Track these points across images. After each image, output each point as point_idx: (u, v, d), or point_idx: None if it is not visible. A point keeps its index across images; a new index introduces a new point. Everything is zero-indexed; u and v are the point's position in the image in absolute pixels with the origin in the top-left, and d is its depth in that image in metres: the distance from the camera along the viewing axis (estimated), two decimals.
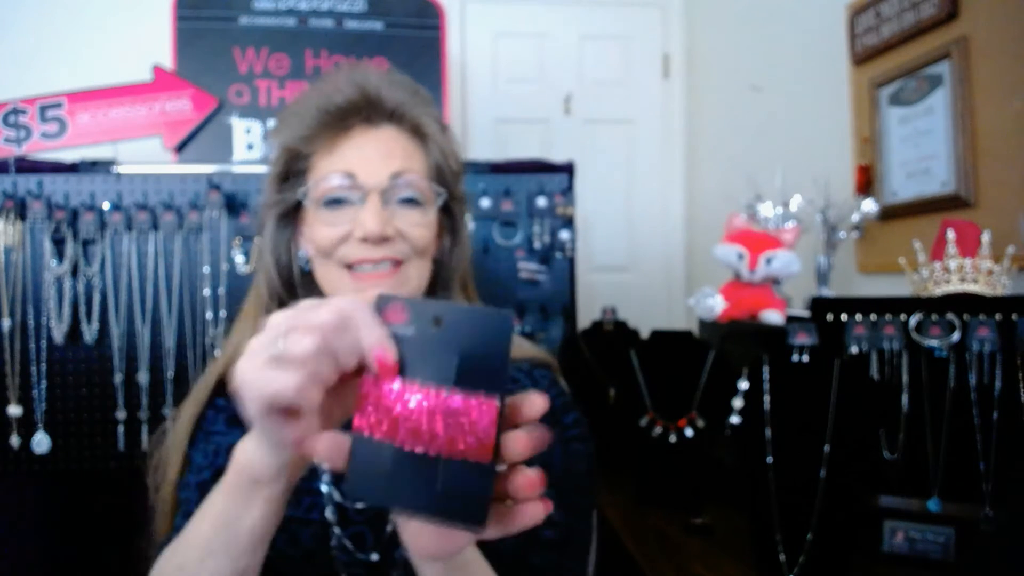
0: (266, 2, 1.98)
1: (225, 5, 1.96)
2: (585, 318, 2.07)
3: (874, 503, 1.13)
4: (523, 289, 1.77)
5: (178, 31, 1.93)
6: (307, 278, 0.78)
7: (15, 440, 1.53)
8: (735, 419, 1.21)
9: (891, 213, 1.55)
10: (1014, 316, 1.02)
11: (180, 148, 1.89)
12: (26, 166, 1.58)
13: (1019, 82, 1.25)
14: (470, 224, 1.75)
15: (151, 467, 0.77)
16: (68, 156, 1.65)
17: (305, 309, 0.44)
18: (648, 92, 2.72)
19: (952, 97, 1.39)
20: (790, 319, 1.20)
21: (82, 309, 1.58)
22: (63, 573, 1.67)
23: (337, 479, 0.73)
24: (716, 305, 1.33)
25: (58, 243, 1.57)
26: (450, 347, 0.41)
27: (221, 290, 1.62)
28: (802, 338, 1.10)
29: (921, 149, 1.48)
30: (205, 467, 0.73)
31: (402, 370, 0.42)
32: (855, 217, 1.53)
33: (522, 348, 0.81)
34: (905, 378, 1.08)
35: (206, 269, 1.62)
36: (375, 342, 0.41)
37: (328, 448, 0.41)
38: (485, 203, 1.76)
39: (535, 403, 0.41)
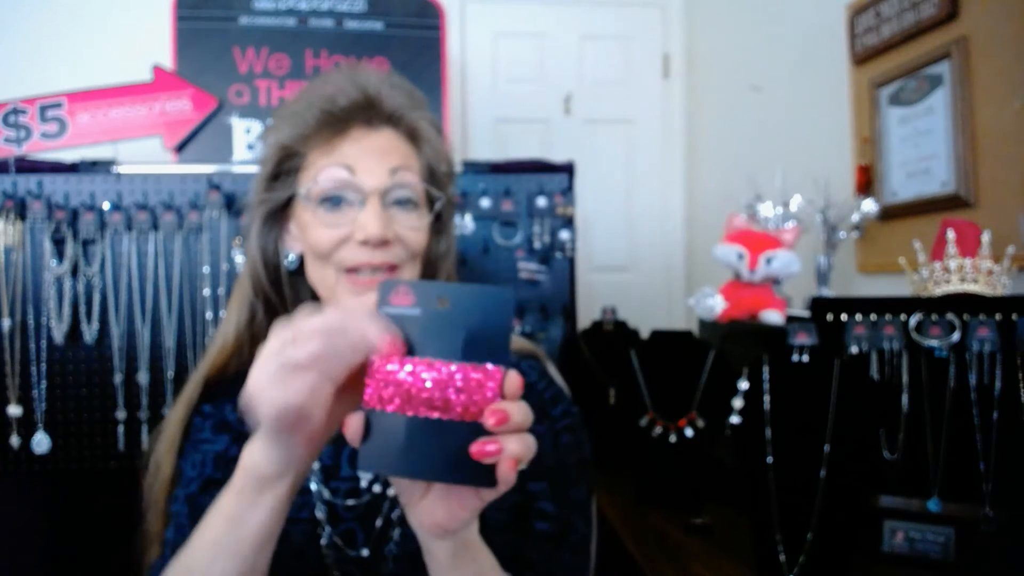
0: (266, 2, 1.98)
1: (225, 5, 1.96)
2: (585, 318, 2.07)
3: (874, 503, 1.13)
4: (523, 289, 1.77)
5: (178, 31, 1.93)
6: (293, 278, 0.78)
7: (15, 440, 1.53)
8: (735, 419, 1.21)
9: (891, 213, 1.55)
10: (1014, 316, 1.02)
11: (180, 148, 1.89)
12: (26, 166, 1.58)
13: (1019, 82, 1.25)
14: (470, 224, 1.75)
15: (150, 468, 0.77)
16: (68, 156, 1.65)
17: (306, 316, 0.46)
18: (648, 92, 2.72)
19: (952, 97, 1.39)
20: (790, 319, 1.20)
21: (82, 309, 1.58)
22: (63, 573, 1.67)
23: (327, 476, 0.73)
24: (716, 305, 1.34)
25: (58, 243, 1.57)
26: (456, 324, 0.45)
27: (221, 290, 1.62)
28: (802, 338, 1.10)
29: (921, 149, 1.48)
30: (194, 479, 0.72)
31: (411, 348, 0.45)
32: (855, 217, 1.53)
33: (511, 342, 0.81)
34: (905, 378, 1.08)
35: (206, 269, 1.62)
36: (379, 331, 0.45)
37: (350, 428, 0.45)
38: (485, 203, 1.75)
39: (513, 381, 0.45)
